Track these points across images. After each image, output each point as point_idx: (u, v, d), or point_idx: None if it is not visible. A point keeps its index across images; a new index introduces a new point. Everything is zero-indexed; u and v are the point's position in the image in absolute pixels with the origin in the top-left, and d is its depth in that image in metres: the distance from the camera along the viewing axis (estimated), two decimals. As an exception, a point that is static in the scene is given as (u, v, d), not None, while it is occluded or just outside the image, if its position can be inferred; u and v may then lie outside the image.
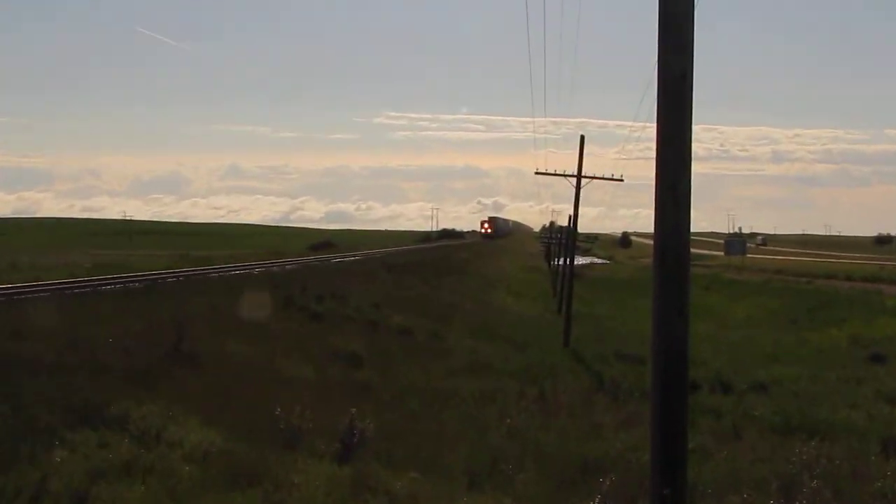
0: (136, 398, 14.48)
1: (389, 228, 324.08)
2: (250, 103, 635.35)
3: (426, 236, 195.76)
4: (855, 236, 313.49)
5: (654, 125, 7.74)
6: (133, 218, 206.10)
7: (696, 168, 7.73)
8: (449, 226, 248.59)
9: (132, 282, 37.10)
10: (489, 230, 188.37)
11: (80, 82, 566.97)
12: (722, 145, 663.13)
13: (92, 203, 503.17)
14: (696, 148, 7.91)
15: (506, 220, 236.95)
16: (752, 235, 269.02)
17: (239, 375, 18.52)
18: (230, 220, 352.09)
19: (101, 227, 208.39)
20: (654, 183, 7.73)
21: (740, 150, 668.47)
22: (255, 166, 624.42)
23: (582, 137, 40.56)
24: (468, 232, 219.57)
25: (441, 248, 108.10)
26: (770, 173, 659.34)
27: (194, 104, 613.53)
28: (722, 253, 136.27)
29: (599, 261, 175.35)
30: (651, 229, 7.96)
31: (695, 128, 7.76)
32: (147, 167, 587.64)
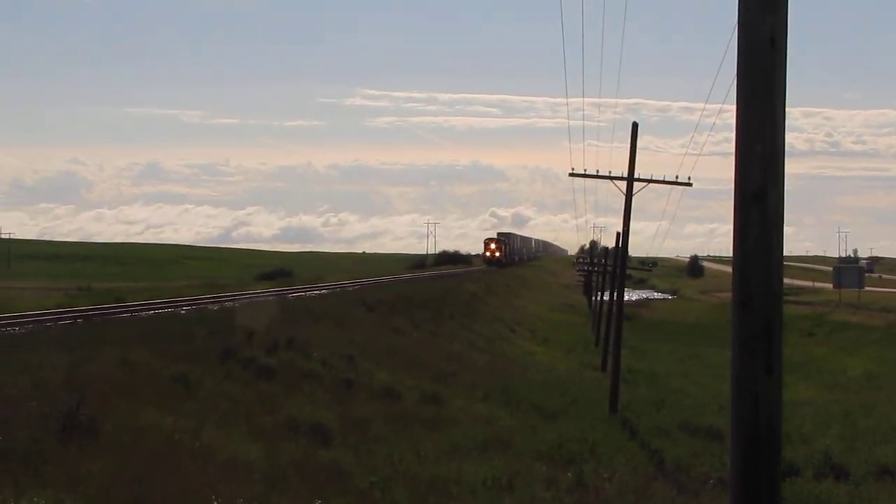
0: (14, 486, 14.44)
1: (370, 251, 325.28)
2: (175, 77, 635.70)
3: (420, 261, 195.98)
4: None
5: (734, 109, 7.74)
6: (13, 236, 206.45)
7: (792, 168, 7.73)
8: (451, 247, 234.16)
9: (9, 325, 37.07)
10: (496, 254, 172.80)
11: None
12: (829, 136, 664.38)
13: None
14: (793, 140, 7.93)
15: (526, 239, 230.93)
16: (875, 260, 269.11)
17: (157, 456, 18.47)
18: (149, 240, 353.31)
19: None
20: (732, 189, 7.72)
21: (855, 143, 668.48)
22: (183, 164, 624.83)
23: (634, 125, 40.64)
24: (478, 256, 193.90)
25: (441, 278, 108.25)
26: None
27: (97, 77, 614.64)
28: (830, 285, 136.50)
29: (659, 296, 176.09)
30: (730, 252, 7.93)
31: (792, 112, 7.75)
32: (30, 165, 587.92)
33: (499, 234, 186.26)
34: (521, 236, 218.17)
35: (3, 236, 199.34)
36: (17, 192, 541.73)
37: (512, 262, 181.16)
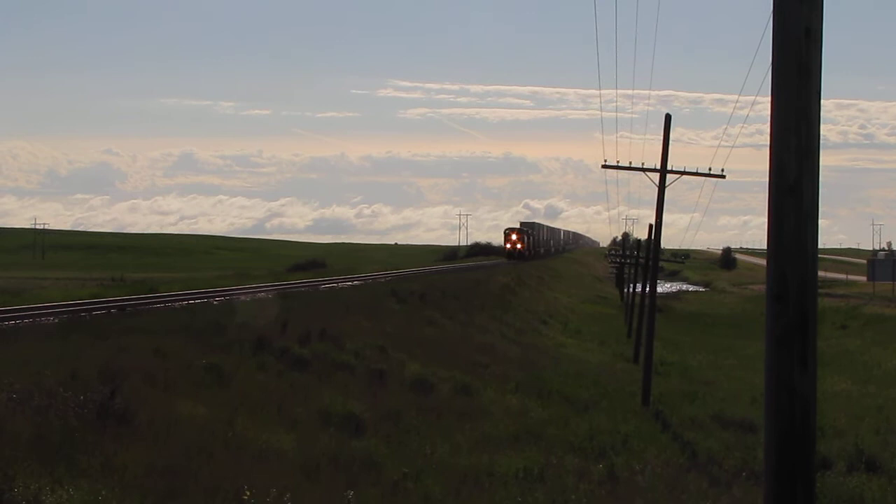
0: (50, 476, 14.53)
1: (402, 242, 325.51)
2: (208, 68, 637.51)
3: (451, 253, 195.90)
4: None
5: (768, 101, 7.71)
6: (48, 227, 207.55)
7: (825, 160, 7.70)
8: (483, 239, 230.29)
9: (45, 315, 37.27)
10: (518, 246, 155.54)
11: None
12: (863, 127, 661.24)
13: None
14: (828, 132, 7.89)
15: (553, 231, 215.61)
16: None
17: (191, 446, 18.57)
18: (183, 231, 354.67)
19: (4, 239, 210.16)
20: (766, 181, 7.69)
21: (889, 135, 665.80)
22: (216, 156, 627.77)
23: (668, 117, 40.54)
24: None
25: (472, 269, 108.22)
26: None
27: (131, 68, 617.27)
28: (864, 277, 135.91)
29: (692, 288, 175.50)
30: (763, 244, 7.91)
31: (825, 103, 7.73)
32: (66, 156, 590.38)
33: (522, 223, 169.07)
34: (547, 227, 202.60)
35: (37, 227, 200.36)
36: (52, 183, 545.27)
37: (537, 254, 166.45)
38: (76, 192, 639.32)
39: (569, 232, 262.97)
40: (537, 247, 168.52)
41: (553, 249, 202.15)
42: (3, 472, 14.25)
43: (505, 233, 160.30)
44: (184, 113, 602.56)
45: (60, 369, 22.56)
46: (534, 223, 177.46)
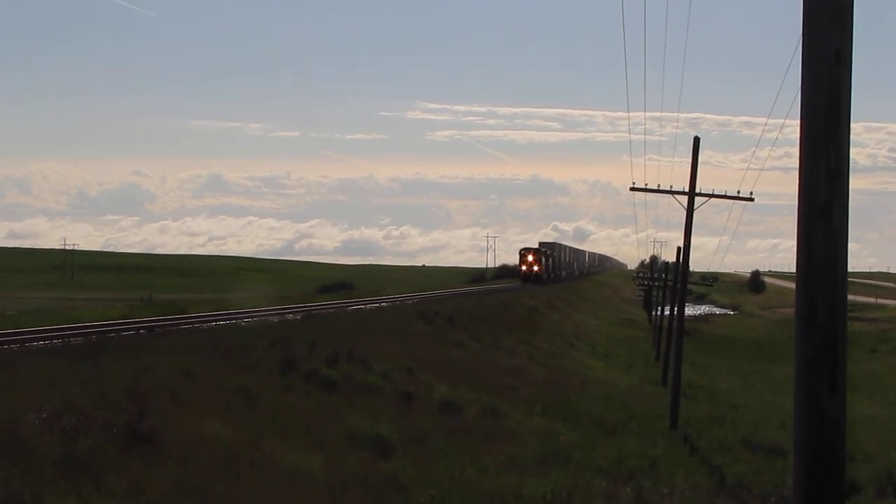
0: (77, 495, 14.57)
1: (430, 264, 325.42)
2: (236, 90, 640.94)
3: (479, 275, 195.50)
4: None
5: (797, 123, 7.69)
6: (77, 247, 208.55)
7: (855, 183, 7.68)
8: (511, 261, 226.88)
9: (74, 336, 37.43)
10: (535, 268, 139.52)
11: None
12: (893, 150, 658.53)
13: (22, 227, 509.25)
14: (856, 155, 7.86)
15: (577, 252, 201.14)
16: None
17: (219, 467, 18.60)
18: (211, 252, 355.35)
19: (34, 259, 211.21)
20: (796, 204, 7.67)
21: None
22: (245, 177, 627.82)
23: (696, 140, 40.49)
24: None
25: (500, 291, 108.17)
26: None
27: (159, 90, 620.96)
28: (894, 301, 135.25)
29: (720, 311, 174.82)
30: (793, 267, 7.89)
31: (854, 126, 7.70)
32: (95, 177, 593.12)
33: (541, 243, 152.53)
34: (570, 248, 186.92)
35: (67, 247, 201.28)
36: (81, 204, 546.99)
37: (557, 277, 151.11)
38: (106, 213, 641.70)
39: (594, 254, 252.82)
40: (557, 269, 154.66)
41: (577, 272, 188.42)
42: (33, 492, 14.31)
43: (520, 253, 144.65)
44: (212, 134, 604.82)
45: (89, 389, 22.64)
46: (554, 243, 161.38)
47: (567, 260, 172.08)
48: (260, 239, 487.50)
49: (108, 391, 22.47)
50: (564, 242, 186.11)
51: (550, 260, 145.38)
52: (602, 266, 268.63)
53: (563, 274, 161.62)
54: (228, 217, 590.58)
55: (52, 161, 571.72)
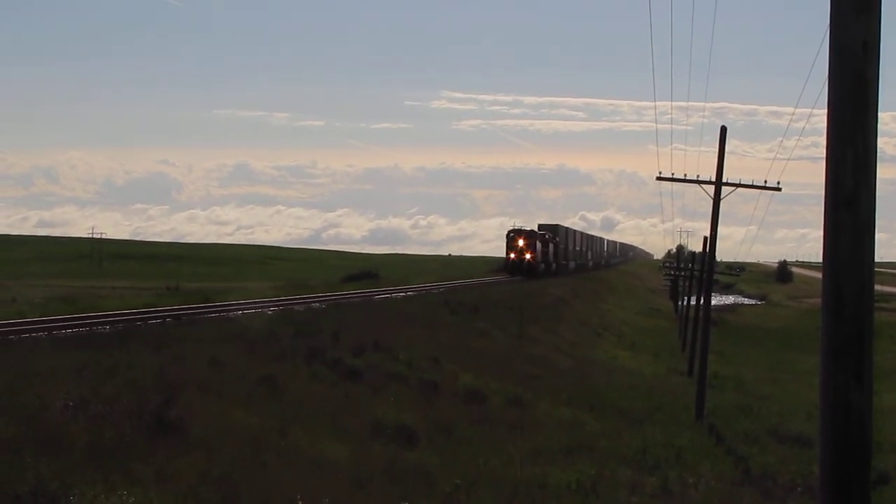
0: (105, 483, 14.63)
1: (456, 254, 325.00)
2: (263, 79, 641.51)
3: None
4: None
5: (824, 113, 7.66)
6: (105, 236, 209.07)
7: (882, 172, 7.63)
8: None
9: (101, 324, 37.58)
10: (525, 255, 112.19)
11: (25, 48, 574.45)
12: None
13: (52, 215, 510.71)
14: (883, 144, 7.83)
15: (591, 239, 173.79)
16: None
17: (244, 455, 18.65)
18: (239, 241, 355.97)
19: (62, 248, 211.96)
20: (822, 194, 7.63)
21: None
22: (271, 167, 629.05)
23: (723, 129, 40.38)
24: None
25: (525, 281, 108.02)
26: None
27: (186, 79, 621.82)
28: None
29: (747, 301, 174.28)
30: (819, 258, 7.85)
31: (882, 116, 7.66)
32: (122, 166, 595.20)
33: (540, 226, 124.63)
34: (581, 233, 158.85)
35: (95, 236, 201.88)
36: (108, 192, 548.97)
37: (561, 268, 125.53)
38: (134, 203, 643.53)
39: (615, 242, 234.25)
40: (562, 258, 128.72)
41: (591, 262, 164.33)
42: (61, 480, 14.38)
43: (508, 236, 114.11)
44: (238, 124, 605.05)
45: (116, 378, 22.75)
46: (557, 226, 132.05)
47: (577, 248, 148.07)
48: (288, 228, 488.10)
49: (135, 379, 22.58)
50: (576, 228, 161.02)
51: (551, 246, 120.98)
52: (625, 256, 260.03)
53: (572, 264, 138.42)
54: (256, 206, 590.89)
55: (79, 150, 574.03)
